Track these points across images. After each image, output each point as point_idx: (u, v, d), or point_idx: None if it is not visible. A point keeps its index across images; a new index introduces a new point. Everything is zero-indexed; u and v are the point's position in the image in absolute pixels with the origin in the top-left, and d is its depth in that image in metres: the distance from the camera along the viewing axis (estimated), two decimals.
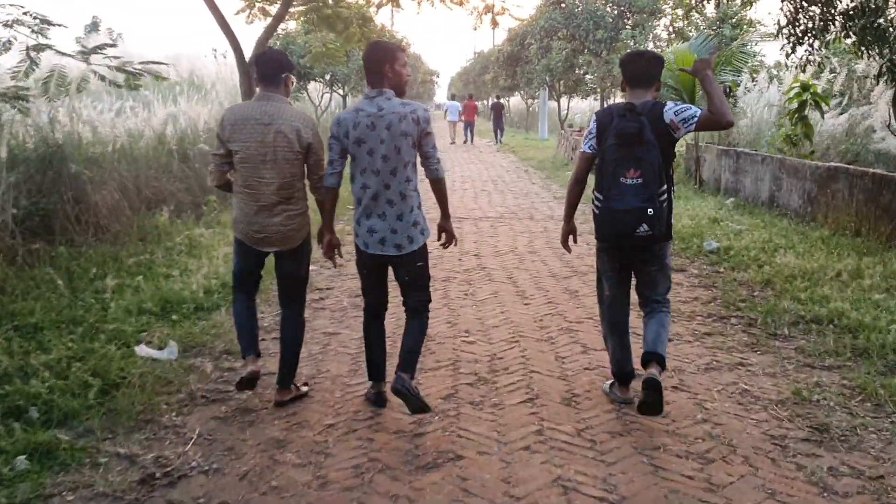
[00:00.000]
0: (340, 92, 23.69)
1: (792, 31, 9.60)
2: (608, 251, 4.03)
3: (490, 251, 8.46)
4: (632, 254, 3.95)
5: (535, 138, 32.70)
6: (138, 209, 9.21)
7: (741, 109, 15.12)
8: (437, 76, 49.95)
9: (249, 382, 4.10)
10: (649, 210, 3.63)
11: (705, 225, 9.23)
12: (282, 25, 21.40)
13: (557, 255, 8.16)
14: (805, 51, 10.06)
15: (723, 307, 5.95)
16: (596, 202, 3.81)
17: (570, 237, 4.22)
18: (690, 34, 19.31)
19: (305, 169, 4.03)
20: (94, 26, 39.70)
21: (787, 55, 10.38)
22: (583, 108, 36.83)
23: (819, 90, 11.70)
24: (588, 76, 23.67)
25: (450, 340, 5.25)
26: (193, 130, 12.82)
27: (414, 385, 3.85)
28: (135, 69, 9.43)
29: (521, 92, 37.76)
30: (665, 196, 3.71)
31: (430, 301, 4.08)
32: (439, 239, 4.09)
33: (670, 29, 19.75)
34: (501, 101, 33.03)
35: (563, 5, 21.04)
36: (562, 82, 24.72)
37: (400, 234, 3.80)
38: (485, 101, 48.50)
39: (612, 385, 4.25)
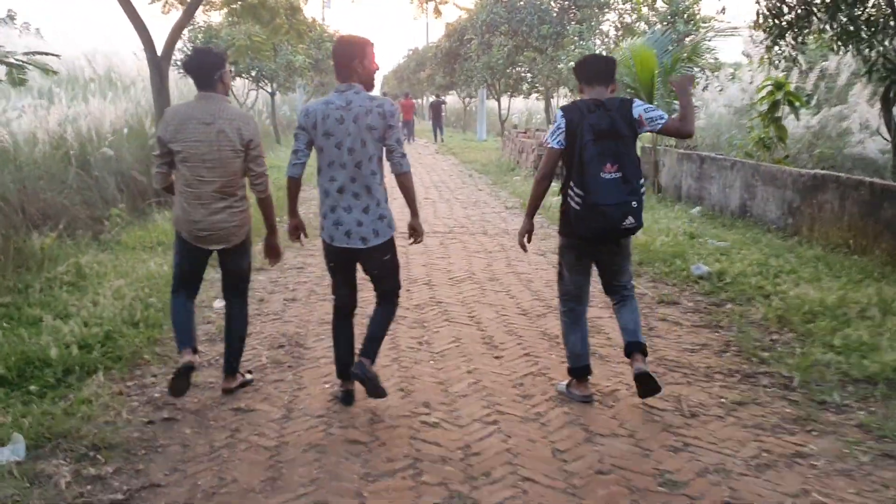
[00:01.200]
0: (268, 89, 22.04)
1: (774, 22, 8.63)
2: (578, 247, 4.06)
3: (443, 278, 7.18)
4: (604, 247, 4.03)
5: (473, 139, 31.59)
6: (20, 228, 7.65)
7: (698, 109, 14.22)
8: None
9: (184, 374, 4.01)
10: (633, 203, 3.74)
11: (683, 242, 8.15)
12: (204, 17, 19.82)
13: (523, 282, 6.94)
14: (786, 44, 9.13)
15: (743, 360, 4.78)
16: (575, 198, 3.79)
17: (527, 236, 4.29)
18: (639, 29, 18.45)
19: (245, 166, 4.08)
20: (9, 19, 36.86)
21: (769, 48, 9.44)
22: (520, 109, 35.92)
23: (791, 89, 10.83)
24: (529, 74, 22.66)
25: (404, 421, 3.92)
26: (99, 133, 11.18)
27: (372, 370, 3.96)
28: (17, 61, 7.92)
29: (459, 91, 36.60)
30: (644, 188, 3.82)
31: (399, 288, 4.18)
32: (409, 238, 4.15)
33: (618, 24, 18.84)
34: (441, 99, 32.28)
35: None
36: (502, 81, 23.61)
37: (366, 226, 3.84)
38: (419, 100, 47.06)
39: (569, 385, 4.25)
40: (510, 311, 6.01)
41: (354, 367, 3.94)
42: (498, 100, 25.95)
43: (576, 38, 18.49)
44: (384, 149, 3.86)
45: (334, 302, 4.17)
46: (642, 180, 3.79)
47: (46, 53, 8.90)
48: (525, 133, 17.37)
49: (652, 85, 12.90)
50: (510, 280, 7.08)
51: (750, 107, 14.25)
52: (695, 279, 6.80)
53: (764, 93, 10.79)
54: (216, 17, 24.46)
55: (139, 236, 8.29)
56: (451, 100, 46.36)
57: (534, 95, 26.24)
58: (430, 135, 31.29)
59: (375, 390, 3.92)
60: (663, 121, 3.83)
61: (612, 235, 3.88)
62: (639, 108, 3.82)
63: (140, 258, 7.28)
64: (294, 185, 4.03)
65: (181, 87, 19.90)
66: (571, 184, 3.82)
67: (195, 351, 4.18)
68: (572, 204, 3.81)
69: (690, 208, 11.12)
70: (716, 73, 13.76)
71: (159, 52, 11.04)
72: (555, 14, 19.60)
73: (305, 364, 4.83)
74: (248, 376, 4.48)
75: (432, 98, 36.49)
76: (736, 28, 13.18)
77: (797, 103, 10.61)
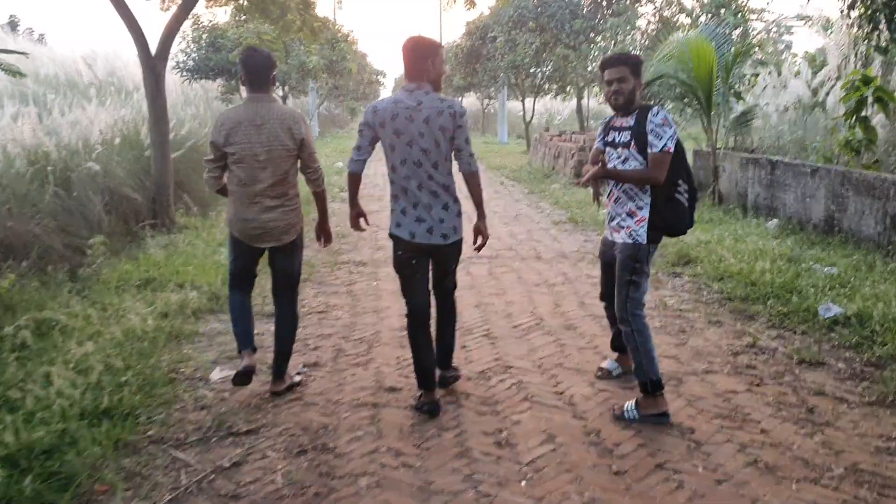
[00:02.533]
0: (279, 92, 20.57)
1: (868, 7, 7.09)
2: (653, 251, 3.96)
3: (504, 326, 5.63)
4: None
5: (494, 142, 30.12)
6: None
7: (757, 108, 12.64)
8: (384, 76, 46.93)
9: (245, 376, 4.14)
10: None
11: (785, 269, 6.59)
12: (209, 16, 18.40)
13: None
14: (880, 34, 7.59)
15: None
16: (685, 193, 3.84)
17: None
18: (679, 23, 16.89)
19: (299, 164, 4.21)
20: (12, 26, 35.71)
21: (865, 38, 7.91)
22: (539, 110, 34.39)
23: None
24: (556, 73, 21.09)
25: None
26: (88, 144, 9.72)
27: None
28: None
29: (478, 92, 35.10)
30: None
31: (456, 285, 4.24)
32: (474, 242, 4.09)
33: (656, 18, 17.26)
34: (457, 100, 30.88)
35: None
36: (527, 80, 22.07)
37: (446, 223, 3.85)
38: None
39: (641, 405, 3.90)
40: (607, 381, 4.47)
41: (445, 379, 4.27)
42: (522, 101, 24.39)
43: (609, 34, 16.95)
44: (453, 148, 3.85)
45: (410, 307, 4.04)
46: None
47: (10, 51, 7.50)
48: (560, 136, 15.81)
49: (711, 82, 11.35)
50: (591, 328, 5.53)
51: (814, 105, 12.73)
52: (827, 324, 5.26)
53: (849, 88, 9.23)
54: (223, 15, 23.11)
55: (125, 272, 6.80)
56: (468, 102, 44.89)
57: (550, 96, 24.76)
58: None
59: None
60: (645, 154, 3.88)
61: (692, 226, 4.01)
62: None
63: (123, 304, 5.78)
64: (354, 181, 4.05)
65: (185, 90, 18.50)
66: (679, 182, 3.81)
67: (254, 351, 4.31)
68: (681, 199, 3.83)
69: (762, 220, 9.60)
70: (779, 70, 12.17)
71: (154, 51, 9.61)
72: (588, 8, 18.04)
73: (339, 489, 3.29)
74: (297, 377, 4.52)
75: None
76: (807, 18, 11.59)
77: (889, 101, 9.05)
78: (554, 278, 7.06)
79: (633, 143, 3.77)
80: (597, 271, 5.86)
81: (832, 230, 8.44)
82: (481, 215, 4.03)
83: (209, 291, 6.30)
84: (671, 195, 3.78)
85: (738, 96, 11.97)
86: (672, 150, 3.68)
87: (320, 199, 4.35)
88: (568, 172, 14.07)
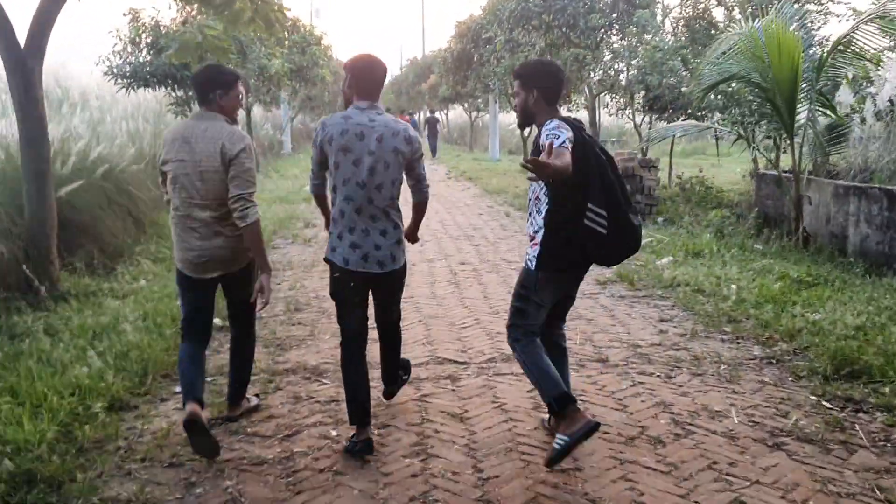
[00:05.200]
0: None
1: None
2: (561, 280, 3.60)
3: None
4: (581, 276, 3.72)
5: (486, 159, 27.19)
6: None
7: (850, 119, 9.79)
8: None
9: (196, 428, 3.53)
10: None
11: None
12: (151, 14, 15.31)
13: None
14: None
15: None
16: (600, 220, 3.33)
17: None
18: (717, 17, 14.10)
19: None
20: None
21: None
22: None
23: None
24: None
25: None
26: None
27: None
28: None
29: (465, 104, 32.24)
30: None
31: (401, 316, 4.10)
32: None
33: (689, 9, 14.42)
34: (436, 115, 31.97)
35: None
36: None
37: (383, 250, 3.68)
38: (415, 116, 42.39)
39: (554, 426, 3.56)
40: None
41: (388, 391, 4.15)
42: None
43: (637, 28, 14.11)
44: (408, 177, 3.78)
45: (344, 333, 3.82)
46: None
47: None
48: None
49: (794, 84, 8.51)
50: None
51: None
52: None
53: None
54: (168, 10, 19.91)
55: None
56: (454, 114, 42.03)
57: (566, 105, 21.89)
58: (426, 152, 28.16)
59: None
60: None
61: (619, 262, 3.65)
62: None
63: None
64: (320, 201, 3.99)
65: (139, 100, 15.48)
66: (591, 205, 3.32)
67: (202, 405, 3.71)
68: (593, 227, 3.32)
69: (881, 274, 6.89)
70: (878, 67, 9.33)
71: (23, 42, 6.62)
72: (604, 1, 15.18)
73: None
74: (255, 400, 4.33)
75: (427, 114, 33.94)
76: None
77: None
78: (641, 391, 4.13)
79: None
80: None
81: None
82: (417, 226, 4.06)
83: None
84: (578, 220, 3.34)
85: (829, 106, 9.11)
86: (567, 144, 3.21)
87: (249, 235, 3.79)
88: None
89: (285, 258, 8.78)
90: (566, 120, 3.43)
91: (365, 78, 3.68)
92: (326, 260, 3.73)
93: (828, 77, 8.95)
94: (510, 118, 34.55)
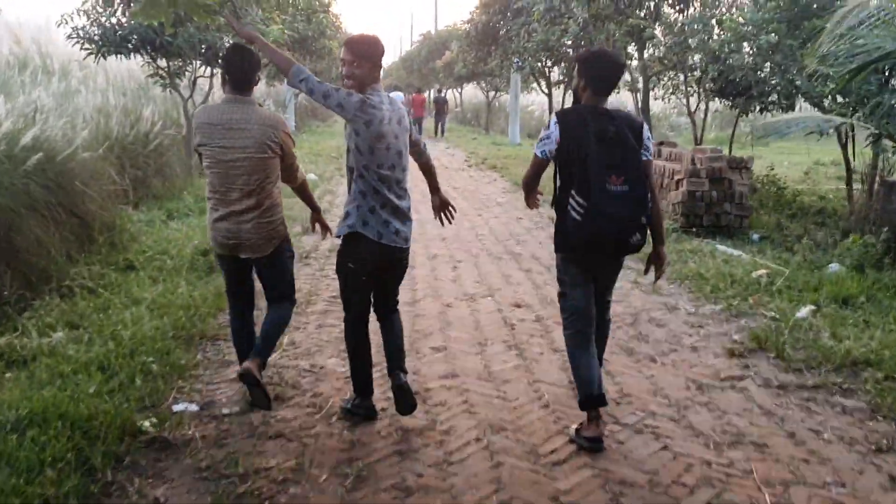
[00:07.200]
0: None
1: None
2: (580, 261, 3.69)
3: None
4: (605, 261, 3.72)
5: (505, 143, 24.76)
6: None
7: None
8: None
9: (251, 383, 3.76)
10: (642, 218, 3.53)
11: None
12: None
13: None
14: None
15: None
16: (577, 207, 3.48)
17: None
18: None
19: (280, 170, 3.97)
20: None
21: None
22: (541, 102, 29.07)
23: None
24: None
25: None
26: None
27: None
28: None
29: (483, 83, 29.77)
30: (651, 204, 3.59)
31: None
32: (437, 216, 4.19)
33: None
34: (443, 94, 30.99)
35: None
36: (564, 65, 16.80)
37: (407, 226, 3.80)
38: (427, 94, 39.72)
39: (579, 428, 3.67)
40: None
41: (398, 380, 3.78)
42: (549, 94, 19.15)
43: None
44: (413, 146, 3.89)
45: (354, 309, 3.87)
46: (648, 194, 3.53)
47: None
48: (661, 145, 10.26)
49: None
50: None
51: None
52: None
53: None
54: None
55: None
56: (468, 93, 39.47)
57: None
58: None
59: (411, 403, 3.78)
60: (646, 158, 3.61)
61: (616, 247, 3.58)
62: (647, 132, 3.67)
63: None
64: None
65: (112, 68, 13.24)
66: (573, 192, 3.50)
67: (258, 364, 3.86)
68: (572, 214, 3.50)
69: None
70: None
71: None
72: None
73: None
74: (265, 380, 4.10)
75: (435, 93, 32.30)
76: None
77: None
78: None
79: None
80: None
81: None
82: (438, 188, 4.17)
83: None
84: (563, 206, 3.58)
85: None
86: (537, 153, 3.63)
87: (302, 190, 4.24)
88: (678, 217, 8.76)
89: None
90: (574, 110, 3.68)
91: (376, 59, 3.69)
92: (350, 235, 3.70)
93: None
94: (530, 99, 32.09)
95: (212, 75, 13.49)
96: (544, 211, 10.89)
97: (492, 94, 31.07)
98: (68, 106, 9.98)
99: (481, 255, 7.86)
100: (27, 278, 6.08)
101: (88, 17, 11.85)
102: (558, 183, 3.65)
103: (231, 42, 4.35)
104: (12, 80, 11.05)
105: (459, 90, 38.99)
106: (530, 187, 3.86)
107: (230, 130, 3.76)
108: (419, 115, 25.91)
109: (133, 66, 14.40)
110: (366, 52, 3.63)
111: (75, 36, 11.68)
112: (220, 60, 3.32)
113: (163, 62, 12.59)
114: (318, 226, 4.44)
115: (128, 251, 7.36)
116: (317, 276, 6.92)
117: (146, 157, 10.97)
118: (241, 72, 3.83)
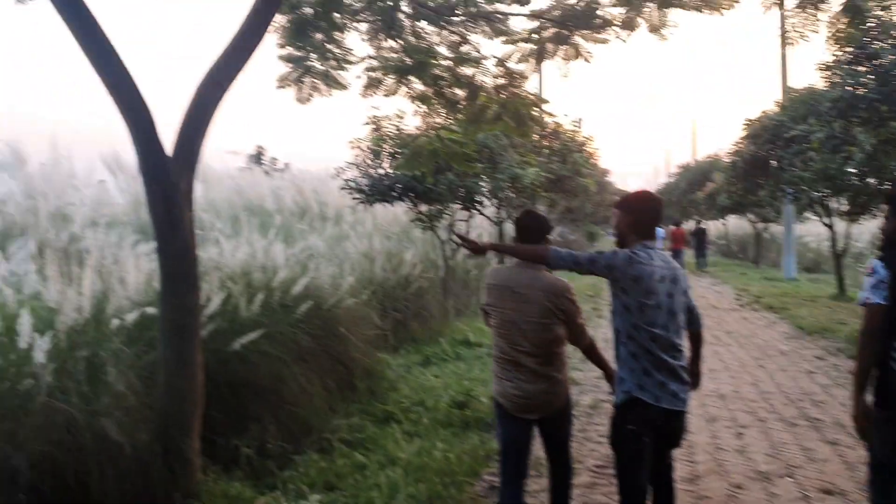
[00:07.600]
0: (488, 215, 15.12)
1: None
2: None
3: None
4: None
5: (778, 278, 22.68)
6: None
7: None
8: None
9: None
10: None
11: None
12: (394, 122, 13.74)
13: None
14: None
15: None
16: None
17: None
18: None
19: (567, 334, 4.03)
20: (256, 157, 34.99)
21: None
22: (817, 232, 26.41)
23: None
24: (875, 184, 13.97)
25: None
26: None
27: None
28: None
29: (750, 214, 28.02)
30: None
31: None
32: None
33: None
34: (702, 225, 30.47)
35: (875, 61, 11.78)
36: (851, 195, 15.11)
37: (685, 387, 3.62)
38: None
39: None
40: None
41: None
42: (830, 225, 17.32)
43: None
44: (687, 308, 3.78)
45: (633, 496, 3.55)
46: None
47: None
48: None
49: None
50: None
51: None
52: None
53: None
54: (412, 117, 18.35)
55: None
56: (734, 224, 37.45)
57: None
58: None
59: None
60: None
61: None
62: None
63: None
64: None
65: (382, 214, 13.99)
66: None
67: None
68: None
69: None
70: None
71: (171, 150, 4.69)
72: None
73: None
74: None
75: (696, 225, 30.80)
76: None
77: None
78: None
79: None
80: None
81: None
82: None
83: None
84: (884, 358, 3.39)
85: None
86: (875, 300, 3.37)
87: (591, 351, 4.21)
88: None
89: None
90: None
91: (654, 216, 3.74)
92: (627, 402, 3.56)
93: None
94: (804, 229, 29.64)
95: (468, 218, 13.74)
96: (835, 360, 9.39)
97: (760, 225, 29.12)
98: (339, 250, 10.49)
99: (770, 420, 6.71)
100: (290, 430, 6.08)
101: (359, 169, 12.70)
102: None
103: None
104: (293, 227, 11.97)
105: (723, 221, 37.18)
106: (870, 345, 3.38)
107: (517, 294, 3.93)
108: (678, 248, 25.08)
109: (398, 211, 15.16)
110: (635, 207, 3.73)
111: (347, 188, 12.51)
112: (515, 223, 3.99)
113: (423, 206, 13.03)
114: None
115: (386, 401, 7.23)
116: (578, 437, 6.24)
117: (406, 300, 11.17)
118: (539, 232, 4.08)
